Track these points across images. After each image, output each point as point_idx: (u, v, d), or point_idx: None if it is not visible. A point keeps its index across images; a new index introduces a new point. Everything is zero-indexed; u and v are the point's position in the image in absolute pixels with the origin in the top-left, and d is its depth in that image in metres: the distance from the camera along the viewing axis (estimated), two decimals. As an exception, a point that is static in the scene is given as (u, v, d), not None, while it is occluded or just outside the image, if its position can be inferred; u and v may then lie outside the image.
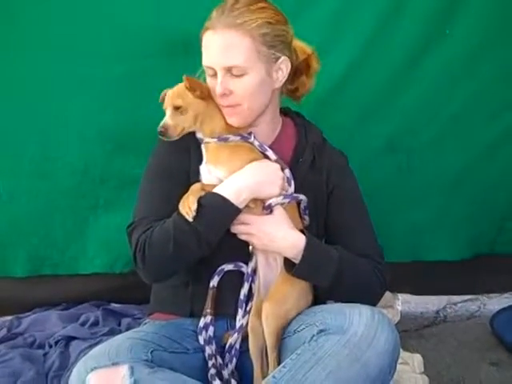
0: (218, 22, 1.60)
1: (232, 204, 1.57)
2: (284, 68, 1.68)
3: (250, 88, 1.64)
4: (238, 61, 1.60)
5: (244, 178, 1.61)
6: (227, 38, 1.60)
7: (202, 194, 1.58)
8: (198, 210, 1.53)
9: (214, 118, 1.68)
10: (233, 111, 1.66)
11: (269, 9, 1.65)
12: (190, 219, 1.53)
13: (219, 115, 1.68)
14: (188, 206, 1.54)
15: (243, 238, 1.64)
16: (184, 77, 1.63)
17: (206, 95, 1.66)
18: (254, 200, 1.62)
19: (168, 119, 1.63)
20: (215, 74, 1.63)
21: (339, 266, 1.61)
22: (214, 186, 1.61)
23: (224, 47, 1.60)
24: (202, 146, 1.70)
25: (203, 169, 1.68)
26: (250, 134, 1.70)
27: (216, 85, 1.63)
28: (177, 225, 1.55)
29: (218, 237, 1.58)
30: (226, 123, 1.68)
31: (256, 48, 1.61)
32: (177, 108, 1.64)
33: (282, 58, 1.66)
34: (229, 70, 1.61)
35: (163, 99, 1.68)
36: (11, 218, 2.32)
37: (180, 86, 1.66)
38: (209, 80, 1.67)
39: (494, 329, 2.52)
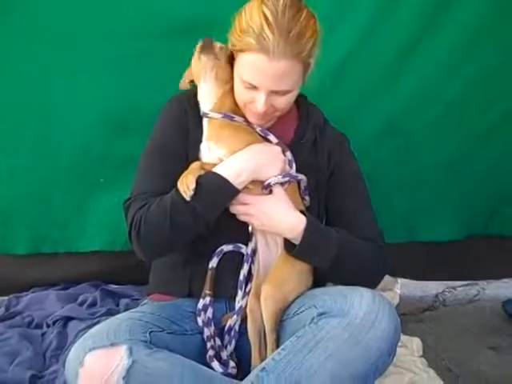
0: (277, 49, 1.51)
1: (231, 184, 1.56)
2: (311, 68, 1.66)
3: (291, 101, 1.66)
4: (289, 86, 1.60)
5: (244, 159, 1.60)
6: (283, 67, 1.54)
7: (202, 172, 1.57)
8: (196, 189, 1.52)
9: (226, 88, 1.67)
10: (264, 118, 1.67)
11: (311, 17, 1.59)
12: (188, 198, 1.51)
13: (228, 90, 1.67)
14: (186, 185, 1.53)
15: (242, 218, 1.63)
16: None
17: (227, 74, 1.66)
18: (254, 181, 1.61)
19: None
20: (254, 88, 1.60)
21: (339, 247, 1.60)
22: (214, 165, 1.60)
23: (278, 76, 1.55)
24: (204, 122, 1.68)
25: (203, 146, 1.67)
26: None
27: (249, 95, 1.61)
28: (174, 202, 1.53)
29: (215, 216, 1.58)
30: (233, 103, 1.67)
31: (304, 69, 1.61)
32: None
33: (313, 62, 1.65)
34: (274, 91, 1.59)
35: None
36: (12, 196, 2.32)
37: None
38: (243, 89, 1.62)
39: (507, 310, 2.55)
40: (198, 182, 1.53)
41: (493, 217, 2.60)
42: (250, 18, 1.55)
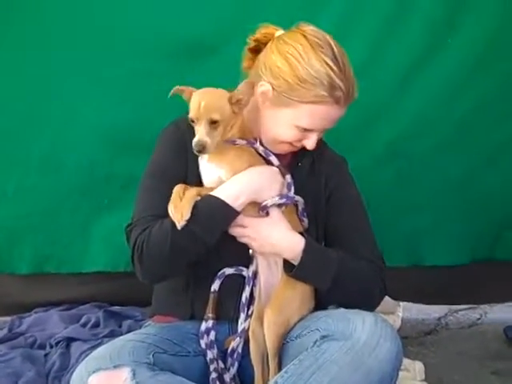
0: (347, 97, 1.62)
1: (230, 207, 1.56)
2: None
3: None
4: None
5: (243, 181, 1.60)
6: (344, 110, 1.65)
7: (198, 199, 1.57)
8: (195, 213, 1.52)
9: (235, 128, 1.65)
10: (292, 150, 1.72)
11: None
12: (179, 227, 1.51)
13: (239, 124, 1.65)
14: (181, 214, 1.52)
15: (242, 240, 1.63)
16: (238, 93, 1.59)
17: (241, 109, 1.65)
18: (252, 204, 1.62)
19: (205, 136, 1.56)
20: (307, 131, 1.65)
21: (339, 268, 1.61)
22: (211, 189, 1.60)
23: (339, 118, 1.66)
24: None
25: (204, 166, 1.66)
26: (255, 139, 1.70)
27: (295, 135, 1.66)
28: (175, 226, 1.53)
29: (215, 239, 1.58)
30: (242, 132, 1.66)
31: None
32: (213, 122, 1.57)
33: None
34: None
35: (177, 92, 1.63)
36: (16, 215, 2.34)
37: (217, 96, 1.60)
38: (292, 131, 1.66)
39: (508, 335, 2.55)
40: (196, 206, 1.54)
41: (498, 241, 2.59)
42: (312, 67, 1.59)
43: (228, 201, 1.56)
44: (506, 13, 2.36)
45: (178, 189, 1.59)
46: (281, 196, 1.64)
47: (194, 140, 1.56)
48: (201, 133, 1.56)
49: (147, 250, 1.56)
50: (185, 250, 1.56)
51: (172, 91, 1.63)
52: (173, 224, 1.53)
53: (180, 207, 1.53)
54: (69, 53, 2.23)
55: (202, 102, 1.56)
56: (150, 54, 2.25)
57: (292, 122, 1.64)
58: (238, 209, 1.58)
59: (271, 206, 1.63)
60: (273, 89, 1.63)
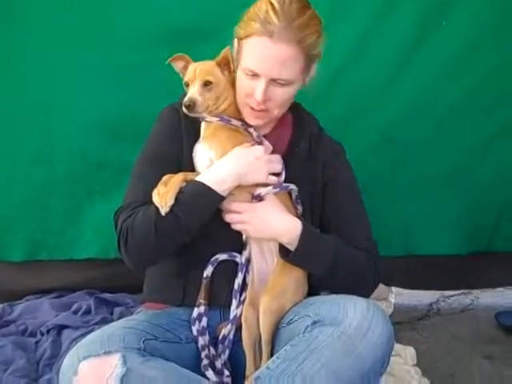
0: (280, 32, 1.54)
1: (215, 192, 1.56)
2: (312, 73, 1.69)
3: (289, 97, 1.66)
4: (289, 76, 1.60)
5: (228, 166, 1.60)
6: (286, 52, 1.56)
7: (183, 185, 1.56)
8: (180, 198, 1.53)
9: (228, 102, 1.67)
10: (261, 114, 1.66)
11: (317, 17, 1.63)
12: (163, 213, 1.51)
13: (232, 100, 1.67)
14: (165, 200, 1.52)
15: (237, 227, 1.63)
16: (225, 51, 1.63)
17: (232, 80, 1.66)
18: (239, 188, 1.61)
19: (196, 94, 1.61)
20: (255, 76, 1.60)
21: (335, 253, 1.61)
22: (197, 174, 1.60)
23: (280, 61, 1.57)
24: (203, 124, 1.69)
25: (198, 147, 1.67)
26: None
27: (250, 85, 1.61)
28: (159, 211, 1.53)
29: (200, 224, 1.57)
30: (235, 110, 1.68)
31: (305, 64, 1.62)
32: (206, 84, 1.62)
33: (316, 65, 1.67)
34: (275, 80, 1.59)
35: (175, 60, 1.68)
36: (8, 203, 2.34)
37: (209, 63, 1.65)
38: (244, 79, 1.63)
39: (499, 321, 2.55)
40: (181, 192, 1.54)
41: (496, 231, 2.59)
42: (258, 7, 1.59)
43: (213, 186, 1.55)
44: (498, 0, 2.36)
45: (164, 178, 1.59)
46: (274, 185, 1.64)
47: (185, 97, 1.59)
48: (193, 91, 1.61)
49: (132, 236, 1.56)
50: (169, 236, 1.55)
51: (170, 58, 1.68)
52: (157, 210, 1.53)
53: (164, 193, 1.54)
54: (59, 42, 2.22)
55: (198, 67, 1.64)
56: (141, 41, 2.24)
57: (242, 67, 1.62)
58: (224, 194, 1.58)
59: (265, 195, 1.63)
60: (238, 36, 1.64)
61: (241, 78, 1.64)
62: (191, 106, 1.59)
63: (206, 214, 1.58)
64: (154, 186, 1.58)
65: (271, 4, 1.57)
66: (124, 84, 2.26)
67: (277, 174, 1.67)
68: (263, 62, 1.58)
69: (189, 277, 1.68)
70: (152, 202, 1.55)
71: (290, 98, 1.68)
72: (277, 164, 1.67)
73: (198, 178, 1.58)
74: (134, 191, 1.66)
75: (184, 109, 1.61)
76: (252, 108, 1.64)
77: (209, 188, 1.55)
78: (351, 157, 1.85)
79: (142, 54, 2.23)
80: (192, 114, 1.63)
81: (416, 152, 2.46)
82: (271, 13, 1.55)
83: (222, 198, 1.58)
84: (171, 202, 1.52)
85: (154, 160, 1.69)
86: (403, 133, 2.43)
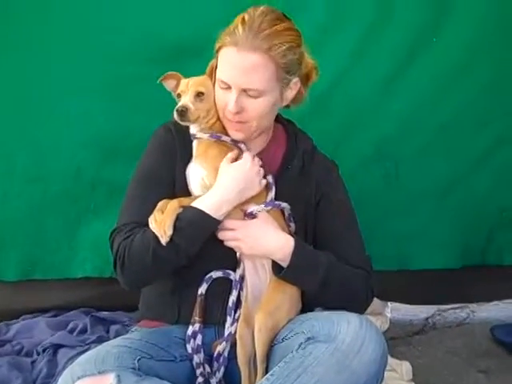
0: (245, 41, 1.56)
1: (213, 218, 1.57)
2: (294, 87, 1.69)
3: (264, 109, 1.64)
4: (258, 85, 1.60)
5: (225, 190, 1.60)
6: (251, 61, 1.57)
7: (180, 211, 1.57)
8: (177, 226, 1.53)
9: (218, 116, 1.69)
10: (240, 127, 1.66)
11: (291, 29, 1.64)
12: (164, 243, 1.52)
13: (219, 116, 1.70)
14: (164, 230, 1.52)
15: (230, 244, 1.63)
16: (211, 63, 1.66)
17: None
18: (237, 209, 1.62)
19: (189, 103, 1.63)
20: (228, 88, 1.62)
21: (328, 269, 1.61)
22: (192, 200, 1.60)
23: (246, 70, 1.58)
24: (194, 143, 1.70)
25: (191, 166, 1.68)
26: None
27: (225, 97, 1.63)
28: (157, 237, 1.53)
29: (198, 249, 1.58)
30: (223, 127, 1.69)
31: (276, 74, 1.61)
32: (198, 95, 1.64)
33: (295, 79, 1.67)
34: (245, 90, 1.60)
35: (167, 79, 1.70)
36: (3, 221, 2.34)
37: (202, 77, 1.69)
38: (220, 92, 1.65)
39: (495, 335, 2.55)
40: (179, 219, 1.54)
41: (489, 244, 2.60)
42: (233, 22, 1.62)
43: (211, 212, 1.56)
44: (489, 15, 2.38)
45: (160, 204, 1.59)
46: (266, 204, 1.65)
47: (178, 104, 1.62)
48: (185, 99, 1.63)
49: (129, 259, 1.57)
50: (166, 261, 1.57)
51: (161, 78, 1.70)
52: (155, 236, 1.53)
53: (162, 222, 1.54)
54: (54, 59, 2.24)
55: (191, 81, 1.67)
56: (135, 59, 2.25)
57: (217, 80, 1.64)
58: (221, 218, 1.59)
59: (257, 213, 1.64)
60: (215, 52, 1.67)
61: (217, 91, 1.66)
62: (184, 111, 1.61)
63: (203, 239, 1.59)
64: (149, 206, 1.59)
65: (243, 17, 1.60)
66: (118, 101, 2.27)
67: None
68: (230, 71, 1.60)
69: (183, 295, 1.68)
70: (149, 227, 1.56)
71: (267, 111, 1.66)
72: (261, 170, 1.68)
73: (194, 204, 1.58)
74: (129, 212, 1.67)
75: (176, 115, 1.62)
76: (230, 121, 1.66)
77: (206, 215, 1.56)
78: (344, 172, 1.85)
79: (136, 70, 2.24)
80: (183, 123, 1.64)
81: (409, 167, 2.47)
82: (239, 25, 1.58)
83: (218, 223, 1.59)
84: (170, 231, 1.52)
85: (148, 180, 1.70)
86: (396, 148, 2.44)
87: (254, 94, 1.60)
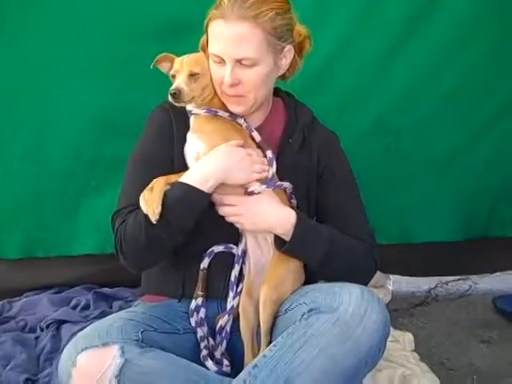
0: (231, 12, 1.56)
1: (200, 191, 1.55)
2: (288, 55, 1.68)
3: (259, 78, 1.63)
4: (250, 53, 1.59)
5: (209, 165, 1.59)
6: (240, 30, 1.57)
7: (167, 188, 1.56)
8: (165, 202, 1.52)
9: (214, 92, 1.67)
10: (239, 101, 1.65)
11: None
12: (154, 221, 1.51)
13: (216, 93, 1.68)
14: (152, 209, 1.51)
15: (231, 219, 1.63)
16: (202, 39, 1.65)
17: None
18: (223, 186, 1.61)
19: (182, 84, 1.61)
20: (221, 62, 1.61)
21: (330, 243, 1.61)
22: (180, 175, 1.59)
23: (236, 39, 1.58)
24: (191, 118, 1.69)
25: (188, 141, 1.67)
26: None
27: (220, 72, 1.62)
28: (147, 217, 1.52)
29: (191, 223, 1.57)
30: (221, 102, 1.67)
31: (267, 40, 1.60)
32: (192, 75, 1.63)
33: (288, 46, 1.66)
34: (239, 60, 1.59)
35: (160, 62, 1.68)
36: (4, 200, 2.34)
37: (197, 54, 1.67)
38: (214, 67, 1.64)
39: (497, 305, 2.56)
40: (166, 196, 1.53)
41: (492, 216, 2.60)
42: None
43: (196, 185, 1.55)
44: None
45: (151, 183, 1.58)
46: (268, 183, 1.63)
47: (171, 86, 1.60)
48: (178, 81, 1.62)
49: (125, 243, 1.58)
50: (160, 239, 1.56)
51: (153, 62, 1.69)
52: (146, 216, 1.52)
53: (150, 200, 1.53)
54: (52, 39, 2.21)
55: (185, 59, 1.65)
56: (134, 37, 2.23)
57: (210, 55, 1.63)
58: (209, 191, 1.57)
59: (259, 192, 1.63)
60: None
61: (212, 66, 1.65)
62: (177, 94, 1.60)
63: (195, 213, 1.57)
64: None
65: None
66: (117, 78, 2.26)
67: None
68: (221, 43, 1.60)
69: (187, 270, 1.68)
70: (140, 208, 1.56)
71: (263, 81, 1.65)
72: (261, 164, 1.65)
73: (181, 179, 1.57)
74: (128, 194, 1.66)
75: (170, 98, 1.61)
76: (228, 95, 1.65)
77: (193, 188, 1.55)
78: (345, 146, 1.84)
79: (133, 48, 2.22)
80: (178, 104, 1.63)
81: (410, 139, 2.46)
82: None
83: (207, 196, 1.58)
84: (159, 209, 1.51)
85: (146, 162, 1.69)
86: (396, 121, 2.43)
87: (247, 63, 1.60)
